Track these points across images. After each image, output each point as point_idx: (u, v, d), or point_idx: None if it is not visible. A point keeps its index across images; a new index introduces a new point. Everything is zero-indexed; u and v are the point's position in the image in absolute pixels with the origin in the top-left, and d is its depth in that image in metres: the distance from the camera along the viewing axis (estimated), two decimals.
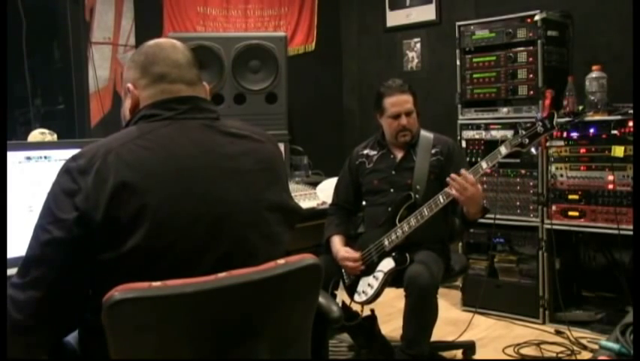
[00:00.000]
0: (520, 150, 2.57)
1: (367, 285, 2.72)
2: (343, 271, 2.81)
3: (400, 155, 2.87)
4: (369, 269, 2.73)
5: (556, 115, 2.49)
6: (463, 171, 2.50)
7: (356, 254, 2.74)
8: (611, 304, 3.45)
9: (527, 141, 2.51)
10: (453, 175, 2.50)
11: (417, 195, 2.71)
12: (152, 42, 1.46)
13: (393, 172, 2.84)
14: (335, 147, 4.89)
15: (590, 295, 3.68)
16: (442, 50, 4.48)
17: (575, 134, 3.32)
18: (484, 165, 2.56)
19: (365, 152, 2.97)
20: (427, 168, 2.77)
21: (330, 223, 2.92)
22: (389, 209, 2.76)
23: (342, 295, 2.82)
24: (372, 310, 2.92)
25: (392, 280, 2.70)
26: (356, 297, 2.75)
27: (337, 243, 2.83)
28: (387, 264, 2.69)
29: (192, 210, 1.25)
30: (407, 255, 2.64)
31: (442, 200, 2.58)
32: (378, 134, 2.95)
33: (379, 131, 2.95)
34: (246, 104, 3.80)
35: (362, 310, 2.84)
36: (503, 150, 2.54)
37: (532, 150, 3.31)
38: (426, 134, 2.88)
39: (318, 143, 4.63)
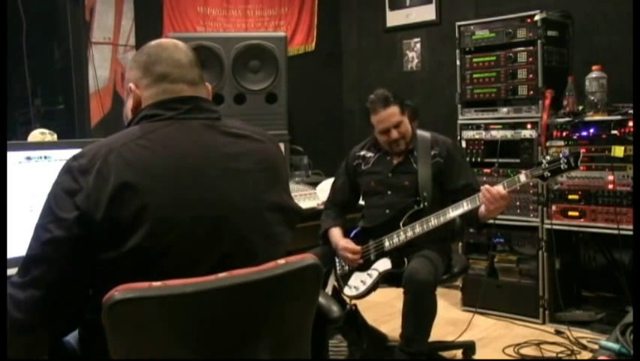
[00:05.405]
0: (540, 181, 2.57)
1: (360, 281, 2.73)
2: (337, 260, 2.82)
3: (397, 157, 2.86)
4: (365, 266, 2.74)
5: (581, 155, 2.46)
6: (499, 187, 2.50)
7: (356, 246, 2.75)
8: (611, 304, 3.45)
9: (549, 174, 2.48)
10: (487, 187, 2.50)
11: (425, 203, 2.70)
12: (154, 42, 1.46)
13: (390, 174, 2.84)
14: (335, 147, 4.89)
15: (590, 295, 3.68)
16: (442, 50, 4.47)
17: (575, 135, 3.32)
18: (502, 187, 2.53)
19: (362, 153, 2.96)
20: (430, 173, 2.76)
21: (327, 217, 2.93)
22: (387, 211, 2.77)
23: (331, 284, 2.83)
24: (355, 305, 2.92)
25: (389, 280, 2.71)
26: (346, 290, 2.76)
27: (337, 234, 2.84)
28: (383, 264, 2.70)
29: (193, 211, 1.25)
30: (405, 259, 2.65)
31: (451, 214, 2.60)
32: (373, 138, 2.93)
33: (373, 134, 2.93)
34: (246, 104, 3.80)
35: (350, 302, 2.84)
36: (523, 178, 2.51)
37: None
38: (423, 135, 2.86)
39: (318, 143, 4.63)
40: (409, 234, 2.66)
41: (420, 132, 2.88)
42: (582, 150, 3.08)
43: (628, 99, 3.18)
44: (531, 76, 3.51)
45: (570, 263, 3.59)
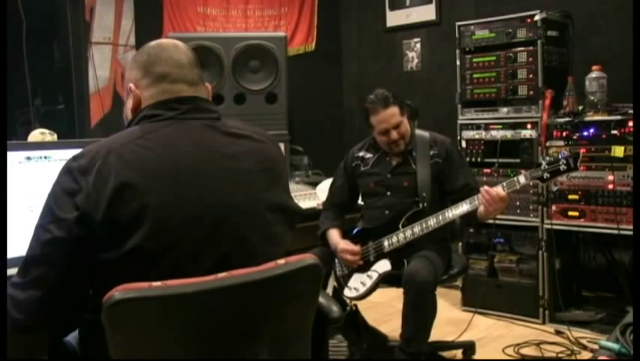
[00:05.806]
0: (539, 183, 2.57)
1: (360, 282, 2.72)
2: (336, 261, 2.82)
3: (396, 158, 2.86)
4: (365, 267, 2.74)
5: (581, 156, 2.45)
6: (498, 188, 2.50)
7: (356, 247, 2.75)
8: (611, 304, 3.45)
9: (548, 175, 2.48)
10: (486, 188, 2.50)
11: (425, 204, 2.70)
12: (154, 42, 1.46)
13: (389, 175, 2.84)
14: (335, 147, 4.88)
15: (590, 295, 3.68)
16: (442, 50, 4.47)
17: (575, 135, 3.32)
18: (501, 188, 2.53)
19: (360, 154, 2.95)
20: (429, 173, 2.76)
21: (325, 218, 2.93)
22: (386, 212, 2.77)
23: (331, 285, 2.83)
24: (355, 305, 2.93)
25: (389, 280, 2.71)
26: (346, 291, 2.76)
27: (335, 235, 2.84)
28: (383, 265, 2.70)
29: (193, 211, 1.25)
30: (405, 260, 2.65)
31: (450, 215, 2.59)
32: (372, 138, 2.92)
33: (372, 135, 2.93)
34: (246, 104, 3.80)
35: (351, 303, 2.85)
36: (522, 179, 2.50)
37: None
38: (422, 135, 2.85)
39: (318, 143, 4.63)
40: (408, 235, 2.65)
41: (418, 132, 2.87)
42: (582, 150, 3.09)
43: (628, 99, 3.18)
44: (531, 76, 3.51)
45: (570, 263, 3.59)
